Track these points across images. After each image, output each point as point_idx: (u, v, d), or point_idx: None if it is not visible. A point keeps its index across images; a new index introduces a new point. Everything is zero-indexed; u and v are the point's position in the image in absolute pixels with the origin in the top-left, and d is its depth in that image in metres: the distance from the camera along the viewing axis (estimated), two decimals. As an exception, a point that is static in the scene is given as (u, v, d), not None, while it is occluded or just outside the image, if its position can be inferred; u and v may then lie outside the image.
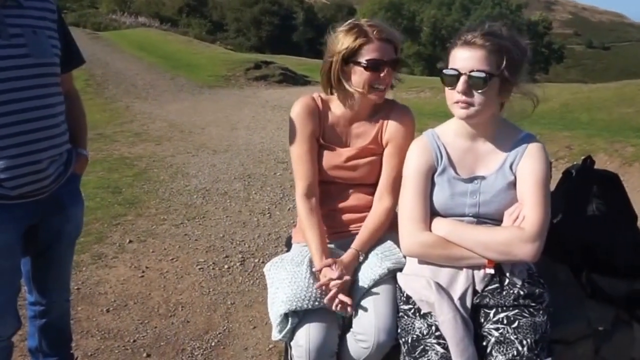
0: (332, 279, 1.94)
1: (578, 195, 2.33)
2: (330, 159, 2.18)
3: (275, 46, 39.11)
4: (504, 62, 1.76)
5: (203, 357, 2.93)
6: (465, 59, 1.77)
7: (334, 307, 1.92)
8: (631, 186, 5.32)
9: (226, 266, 3.90)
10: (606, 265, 2.21)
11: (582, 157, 2.46)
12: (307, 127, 2.16)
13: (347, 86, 2.09)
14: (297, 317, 1.95)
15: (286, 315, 1.94)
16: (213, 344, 3.04)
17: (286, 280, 2.02)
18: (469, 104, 1.79)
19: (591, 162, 2.41)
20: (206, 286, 3.63)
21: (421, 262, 1.94)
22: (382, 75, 2.04)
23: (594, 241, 2.23)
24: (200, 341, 3.06)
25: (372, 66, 2.03)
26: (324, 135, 2.19)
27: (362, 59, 2.03)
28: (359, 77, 2.05)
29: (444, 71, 1.82)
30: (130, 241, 4.31)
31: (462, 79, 1.76)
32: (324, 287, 1.95)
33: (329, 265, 2.00)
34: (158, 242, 4.31)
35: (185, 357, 2.92)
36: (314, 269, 2.04)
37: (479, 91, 1.76)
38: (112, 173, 6.09)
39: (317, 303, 1.94)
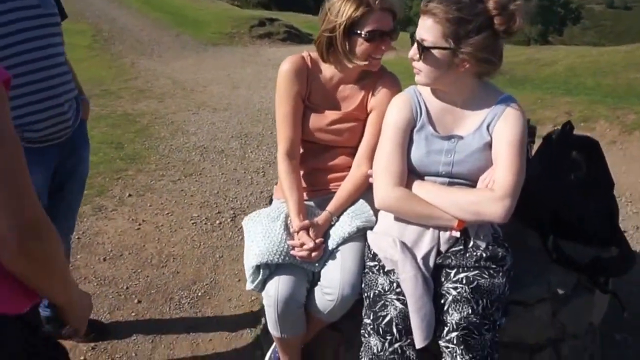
0: (304, 244, 2.06)
1: (555, 160, 2.34)
2: (315, 121, 2.22)
3: (281, 1, 38.49)
4: (450, 32, 1.77)
5: (190, 305, 3.16)
6: (419, 26, 1.82)
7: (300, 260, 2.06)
8: (629, 155, 5.31)
9: (217, 221, 4.11)
10: (576, 232, 2.27)
11: (578, 124, 2.46)
12: (293, 87, 2.19)
13: (351, 58, 2.10)
14: (269, 269, 2.08)
15: (258, 267, 2.08)
16: (200, 294, 3.26)
17: (260, 234, 2.13)
18: (419, 70, 1.86)
19: (570, 128, 2.40)
20: (197, 240, 3.84)
21: (390, 220, 2.01)
22: (382, 47, 2.07)
23: (567, 207, 2.27)
24: (188, 291, 3.28)
25: (373, 37, 2.03)
26: (310, 96, 2.23)
27: (363, 30, 2.03)
28: (358, 47, 2.06)
29: (407, 29, 1.91)
30: (130, 195, 4.52)
31: (414, 46, 1.83)
32: (295, 248, 2.07)
33: (306, 229, 2.09)
34: (156, 196, 4.52)
35: (173, 305, 3.15)
36: (291, 230, 2.13)
37: (421, 60, 1.82)
38: (115, 129, 6.25)
39: (287, 258, 2.06)
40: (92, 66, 9.62)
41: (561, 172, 2.30)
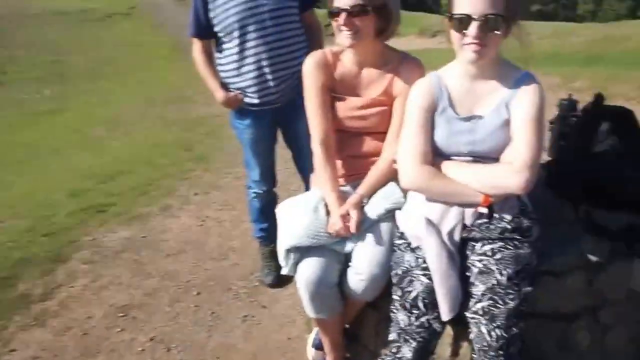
0: (340, 230, 2.09)
1: (588, 131, 2.32)
2: (342, 109, 2.27)
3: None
4: (509, 2, 1.77)
5: (246, 295, 3.23)
6: (474, 2, 1.76)
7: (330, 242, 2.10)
8: None
9: (277, 214, 4.14)
10: (609, 201, 2.21)
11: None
12: (318, 81, 2.26)
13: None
14: (299, 252, 2.13)
15: (288, 251, 2.14)
16: (257, 283, 3.32)
17: (290, 220, 2.20)
18: (482, 46, 1.79)
19: (601, 99, 2.40)
20: (258, 232, 3.89)
21: (417, 200, 2.03)
22: (339, 21, 2.07)
23: (600, 176, 2.23)
24: (246, 281, 3.35)
25: (330, 14, 2.11)
26: (335, 87, 2.28)
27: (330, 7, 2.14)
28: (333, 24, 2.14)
29: (455, 16, 1.80)
30: (196, 193, 4.68)
31: (475, 23, 1.76)
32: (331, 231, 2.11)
33: (345, 215, 2.12)
34: (220, 193, 4.66)
35: (230, 295, 3.24)
36: (331, 220, 2.14)
37: (496, 32, 1.77)
38: (187, 132, 6.49)
39: (315, 240, 2.11)
40: (170, 74, 10.03)
41: (593, 142, 2.28)
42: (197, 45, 2.94)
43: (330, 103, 2.29)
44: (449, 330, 2.01)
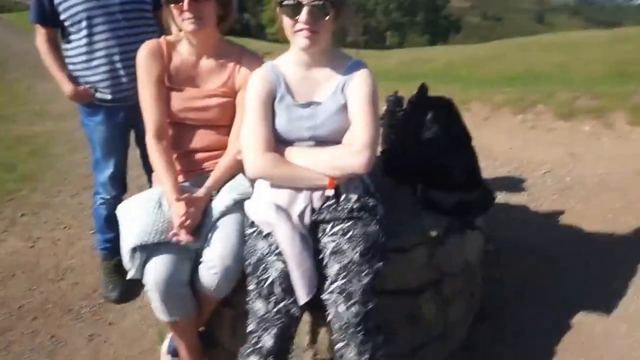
0: (182, 215, 2.01)
1: (415, 120, 2.47)
2: (179, 100, 2.21)
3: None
4: None
5: (90, 313, 3.00)
6: None
7: (177, 242, 2.01)
8: (499, 128, 5.89)
9: (118, 228, 3.90)
10: (441, 181, 2.38)
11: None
12: (152, 71, 2.19)
13: (174, 23, 2.16)
14: (145, 252, 2.02)
15: (134, 252, 2.01)
16: (101, 301, 3.09)
17: (133, 219, 2.08)
18: (313, 32, 1.86)
19: (425, 90, 2.56)
20: (97, 249, 3.63)
21: (264, 187, 2.03)
22: (182, 7, 2.05)
23: (431, 160, 2.39)
24: (88, 300, 3.11)
25: (171, 1, 2.07)
26: (171, 78, 2.21)
27: None
28: (171, 13, 2.11)
29: (285, 3, 1.86)
30: (23, 214, 4.26)
31: (305, 9, 1.82)
32: (173, 222, 2.03)
33: (185, 201, 2.05)
34: (52, 212, 4.28)
35: (72, 316, 2.98)
36: (169, 203, 2.09)
37: (325, 18, 1.85)
38: (8, 151, 5.92)
39: (163, 237, 2.01)
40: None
41: (421, 130, 2.43)
42: (40, 33, 2.73)
43: (166, 94, 2.21)
44: (306, 318, 2.02)
